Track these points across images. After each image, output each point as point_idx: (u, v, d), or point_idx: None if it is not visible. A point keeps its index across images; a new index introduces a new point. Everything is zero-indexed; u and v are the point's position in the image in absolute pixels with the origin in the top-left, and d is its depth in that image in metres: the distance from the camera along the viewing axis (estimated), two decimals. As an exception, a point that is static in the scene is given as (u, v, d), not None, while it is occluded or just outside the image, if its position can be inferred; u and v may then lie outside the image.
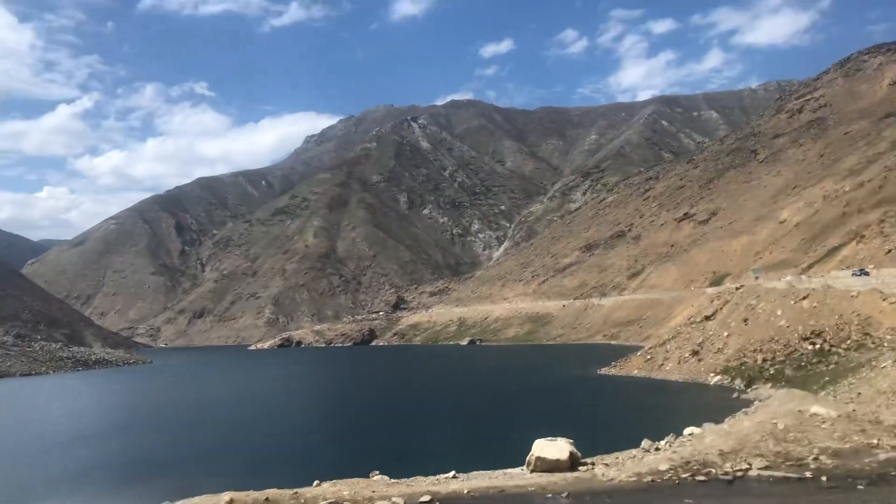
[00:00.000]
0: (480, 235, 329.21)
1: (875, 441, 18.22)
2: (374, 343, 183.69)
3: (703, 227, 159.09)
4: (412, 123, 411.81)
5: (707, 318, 62.71)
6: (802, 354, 46.24)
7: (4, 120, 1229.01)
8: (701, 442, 19.37)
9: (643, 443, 20.22)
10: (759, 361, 49.22)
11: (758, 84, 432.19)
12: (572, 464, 17.74)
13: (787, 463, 17.05)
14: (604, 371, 66.09)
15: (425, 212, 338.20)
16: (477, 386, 69.86)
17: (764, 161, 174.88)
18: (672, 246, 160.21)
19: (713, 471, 16.70)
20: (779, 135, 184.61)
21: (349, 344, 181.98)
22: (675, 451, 18.62)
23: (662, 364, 60.99)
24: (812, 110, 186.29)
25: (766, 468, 16.67)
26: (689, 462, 17.44)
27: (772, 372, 46.74)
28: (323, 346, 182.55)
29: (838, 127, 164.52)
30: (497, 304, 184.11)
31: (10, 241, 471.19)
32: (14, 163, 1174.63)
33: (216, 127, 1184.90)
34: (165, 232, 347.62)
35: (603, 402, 49.54)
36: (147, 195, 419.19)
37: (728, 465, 17.11)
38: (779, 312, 53.02)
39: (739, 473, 16.45)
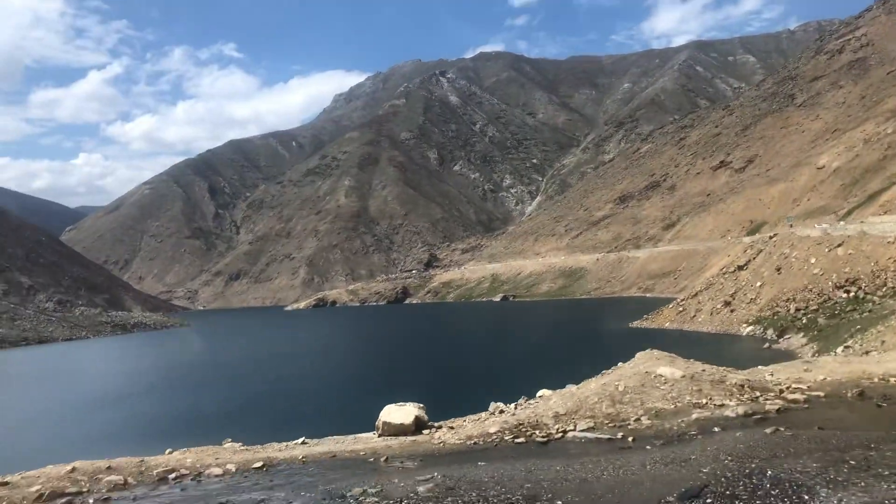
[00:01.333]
0: (512, 190, 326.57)
1: (704, 401, 17.88)
2: (407, 301, 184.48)
3: (739, 175, 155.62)
4: (440, 78, 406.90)
5: (740, 268, 61.34)
6: (836, 303, 44.96)
7: (39, 88, 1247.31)
8: (545, 404, 18.99)
9: (490, 406, 19.85)
10: (792, 311, 48.07)
11: (797, 25, 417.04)
12: (417, 427, 17.85)
13: (611, 424, 16.93)
14: (635, 324, 65.37)
15: (456, 168, 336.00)
16: (485, 343, 69.76)
17: (802, 105, 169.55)
18: (708, 195, 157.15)
19: (537, 432, 16.57)
20: (818, 77, 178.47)
21: (383, 303, 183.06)
22: (514, 414, 18.45)
23: (695, 316, 60.05)
24: (853, 50, 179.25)
25: (589, 429, 16.54)
26: (521, 424, 17.30)
27: (804, 321, 45.62)
28: (357, 305, 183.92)
29: (881, 67, 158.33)
30: (530, 259, 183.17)
31: (49, 208, 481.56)
32: (50, 131, 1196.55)
33: (245, 88, 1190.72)
34: (199, 195, 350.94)
35: (627, 355, 48.87)
36: (179, 159, 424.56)
37: (557, 426, 16.94)
38: (813, 261, 51.56)
39: (558, 435, 16.35)
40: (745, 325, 52.08)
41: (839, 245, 50.60)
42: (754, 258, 61.03)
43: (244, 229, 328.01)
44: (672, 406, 17.64)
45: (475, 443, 16.12)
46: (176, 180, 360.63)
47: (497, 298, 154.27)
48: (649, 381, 19.20)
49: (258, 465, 14.87)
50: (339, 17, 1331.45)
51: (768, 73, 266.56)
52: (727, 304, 57.21)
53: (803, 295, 49.01)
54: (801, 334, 44.29)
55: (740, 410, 16.67)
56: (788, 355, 39.26)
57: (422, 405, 18.65)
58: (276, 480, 13.40)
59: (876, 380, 20.13)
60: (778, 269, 55.05)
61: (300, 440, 18.08)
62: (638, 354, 22.24)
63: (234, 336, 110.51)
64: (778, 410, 17.02)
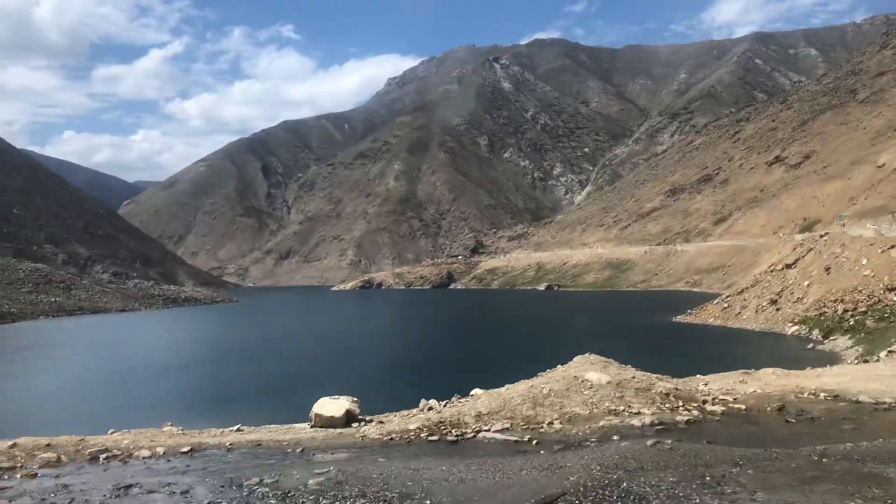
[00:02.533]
0: (562, 179, 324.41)
1: (621, 408, 18.13)
2: (452, 286, 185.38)
3: (794, 172, 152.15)
4: (494, 64, 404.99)
5: (788, 266, 60.46)
6: (886, 306, 44.13)
7: (102, 65, 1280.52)
8: (473, 403, 19.39)
9: (421, 402, 20.16)
10: (840, 312, 47.31)
11: (864, 18, 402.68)
12: (347, 421, 18.27)
13: (525, 426, 17.27)
14: (678, 319, 64.94)
15: (506, 155, 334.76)
16: (522, 331, 69.78)
17: (864, 101, 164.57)
18: (761, 191, 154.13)
19: (453, 431, 17.02)
20: (882, 72, 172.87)
21: (428, 287, 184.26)
22: (440, 412, 18.81)
23: (739, 313, 59.46)
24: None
25: (502, 430, 16.96)
26: (442, 422, 17.69)
27: (851, 323, 44.89)
28: (402, 288, 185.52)
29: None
30: (576, 249, 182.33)
31: (108, 182, 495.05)
32: (112, 106, 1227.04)
33: (301, 70, 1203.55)
34: (252, 174, 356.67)
35: (666, 349, 48.72)
36: (234, 138, 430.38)
37: (477, 425, 17.36)
38: (864, 261, 50.61)
39: (471, 434, 16.80)
40: (790, 325, 51.41)
41: (892, 247, 49.60)
42: (803, 256, 60.08)
43: (295, 209, 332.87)
44: (587, 412, 18.04)
45: (391, 438, 16.66)
46: (231, 159, 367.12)
47: (541, 287, 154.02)
48: (575, 385, 19.47)
49: (185, 449, 15.67)
50: (397, 1, 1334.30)
51: (830, 67, 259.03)
52: (773, 302, 56.50)
53: (852, 296, 48.18)
54: (847, 336, 43.62)
55: (647, 420, 17.05)
56: (832, 357, 38.88)
57: (355, 399, 19.11)
58: (193, 465, 14.16)
59: (805, 395, 20.30)
60: (827, 269, 54.17)
61: (236, 427, 18.65)
62: (576, 358, 22.46)
63: (277, 313, 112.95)
64: (687, 422, 17.38)
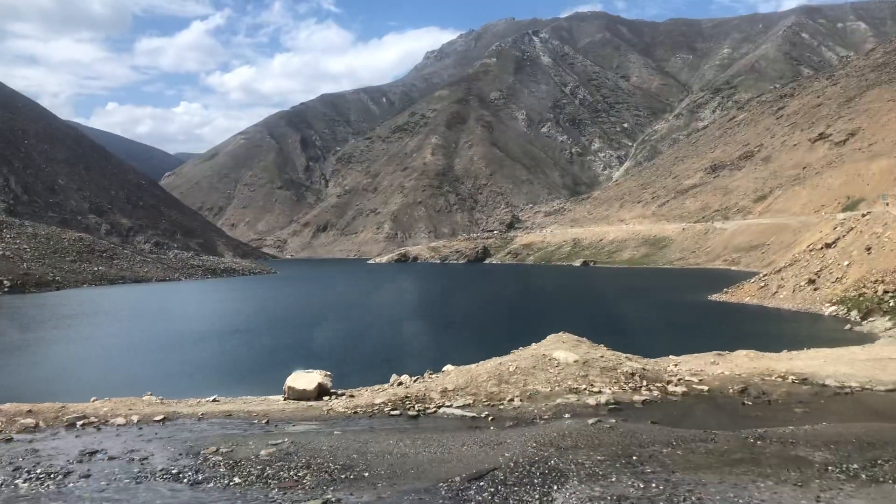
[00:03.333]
0: (601, 154, 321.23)
1: (582, 387, 18.16)
2: (487, 261, 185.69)
3: (839, 149, 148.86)
4: (533, 38, 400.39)
5: (827, 245, 59.68)
6: (927, 287, 43.65)
7: (144, 37, 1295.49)
8: (442, 379, 19.53)
9: (391, 377, 20.38)
10: (880, 293, 46.78)
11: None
12: (319, 394, 18.60)
13: (486, 403, 17.48)
14: (714, 297, 64.56)
15: (544, 130, 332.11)
16: (550, 306, 69.92)
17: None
18: (804, 168, 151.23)
19: (417, 406, 17.31)
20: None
21: (463, 261, 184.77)
22: (408, 387, 19.04)
23: (776, 292, 58.93)
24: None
25: (464, 406, 17.18)
26: (408, 398, 17.94)
27: (892, 304, 44.40)
28: (437, 262, 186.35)
29: None
30: (613, 225, 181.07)
31: (150, 153, 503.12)
32: (153, 78, 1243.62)
33: (340, 43, 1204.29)
34: (291, 147, 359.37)
35: (699, 327, 48.63)
36: (274, 111, 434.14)
37: (441, 401, 17.60)
38: (906, 242, 49.92)
39: (432, 410, 17.06)
40: (827, 305, 50.95)
41: (935, 227, 48.80)
42: (844, 236, 59.24)
43: (333, 182, 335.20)
44: (549, 389, 18.24)
45: (355, 412, 17.09)
46: (270, 132, 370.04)
47: (577, 263, 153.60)
48: (542, 363, 19.69)
49: (159, 418, 16.25)
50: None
51: (880, 41, 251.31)
52: (811, 282, 55.93)
53: (893, 277, 47.59)
54: (887, 318, 43.19)
55: (603, 399, 17.29)
56: (870, 339, 38.56)
57: (328, 373, 19.53)
58: (161, 434, 14.72)
59: (773, 377, 20.23)
60: (868, 249, 53.43)
61: (212, 398, 19.10)
62: (549, 336, 22.58)
63: (311, 284, 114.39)
64: (644, 402, 17.61)
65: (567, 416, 16.11)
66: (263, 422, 16.06)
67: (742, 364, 21.89)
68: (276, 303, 79.98)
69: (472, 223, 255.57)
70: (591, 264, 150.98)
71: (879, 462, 11.50)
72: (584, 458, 11.90)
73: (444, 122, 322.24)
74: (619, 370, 19.42)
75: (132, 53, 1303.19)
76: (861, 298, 47.89)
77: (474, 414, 16.52)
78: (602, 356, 20.42)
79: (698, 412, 17.08)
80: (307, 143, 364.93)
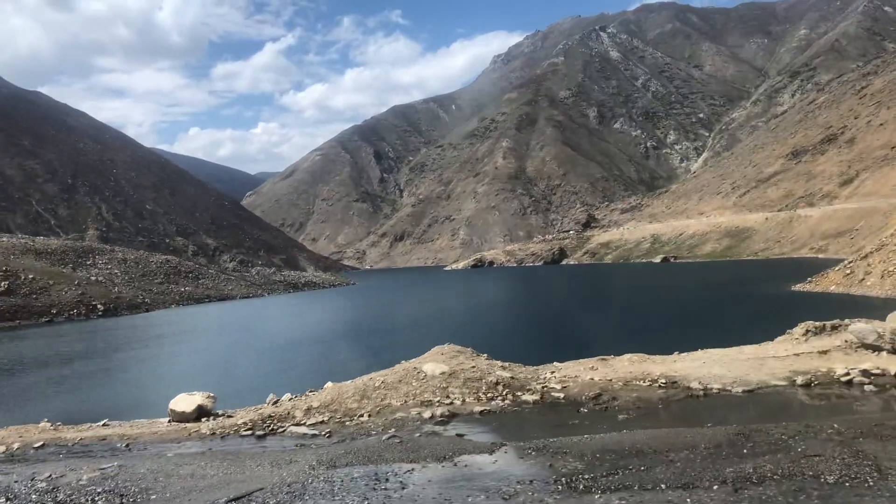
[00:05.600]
0: (677, 147, 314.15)
1: (437, 399, 18.04)
2: (564, 262, 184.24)
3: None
4: (600, 33, 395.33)
5: (918, 227, 56.92)
6: None
7: (220, 62, 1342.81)
8: (317, 396, 19.32)
9: (269, 396, 20.11)
10: (975, 275, 44.37)
11: None
12: (199, 416, 18.62)
13: (341, 419, 17.42)
14: (798, 287, 62.41)
15: (616, 125, 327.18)
16: (629, 304, 68.68)
17: None
18: (893, 148, 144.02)
19: (277, 425, 17.31)
20: None
21: (539, 263, 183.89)
22: (278, 406, 18.94)
23: (863, 279, 56.51)
24: None
25: (315, 424, 17.09)
26: (271, 417, 17.86)
27: None
28: (514, 265, 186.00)
29: None
30: (693, 218, 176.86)
31: (232, 174, 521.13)
32: (231, 101, 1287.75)
33: (409, 54, 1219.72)
34: (365, 160, 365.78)
35: (781, 320, 47.10)
36: (347, 125, 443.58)
37: (303, 419, 17.53)
38: None
39: (281, 429, 17.04)
40: (919, 290, 48.64)
41: None
42: (935, 217, 56.39)
43: (407, 192, 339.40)
44: (400, 403, 18.12)
45: (214, 433, 17.17)
46: (344, 146, 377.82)
47: (657, 259, 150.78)
48: (409, 377, 19.45)
49: (38, 444, 16.68)
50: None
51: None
52: (901, 266, 53.44)
53: None
54: (983, 300, 40.97)
55: (439, 411, 17.08)
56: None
57: (211, 395, 19.63)
58: (22, 458, 15.16)
59: (644, 382, 19.46)
60: (961, 229, 50.70)
61: (103, 422, 19.32)
62: (435, 347, 22.16)
63: (386, 294, 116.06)
64: (482, 412, 17.34)
65: (393, 430, 16.17)
66: (123, 446, 16.41)
67: (621, 369, 21.01)
68: (337, 314, 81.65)
69: (548, 224, 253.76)
70: (672, 260, 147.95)
71: (618, 471, 11.34)
72: (343, 475, 12.13)
73: (513, 124, 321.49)
74: (484, 380, 19.17)
75: (210, 79, 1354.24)
76: (955, 281, 45.50)
77: (315, 432, 16.63)
78: (473, 367, 20.10)
79: (527, 421, 16.92)
80: (380, 155, 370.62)
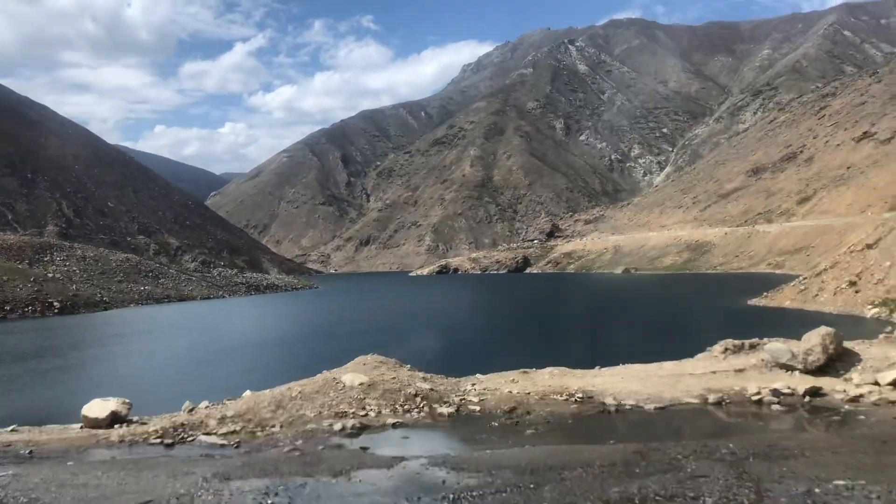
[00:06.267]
0: (641, 161, 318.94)
1: (352, 411, 18.02)
2: (527, 271, 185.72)
3: (884, 147, 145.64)
4: (569, 46, 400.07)
5: (868, 246, 58.86)
6: (968, 287, 42.97)
7: (189, 61, 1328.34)
8: (233, 405, 19.05)
9: (185, 404, 19.56)
10: (921, 294, 46.23)
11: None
12: (112, 422, 18.16)
13: (253, 429, 17.26)
14: (753, 302, 64.00)
15: (582, 138, 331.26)
16: (580, 315, 69.80)
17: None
18: (848, 168, 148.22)
19: (190, 433, 17.04)
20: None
21: (503, 271, 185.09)
22: (193, 414, 18.55)
23: (817, 295, 58.26)
24: None
25: (226, 433, 16.96)
26: (184, 425, 17.58)
27: (933, 305, 43.89)
28: (478, 272, 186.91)
29: None
30: (654, 231, 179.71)
31: (196, 174, 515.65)
32: (199, 101, 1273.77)
33: (380, 59, 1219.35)
34: (333, 164, 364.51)
35: (733, 333, 48.42)
36: (316, 128, 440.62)
37: (218, 428, 17.30)
38: (947, 241, 49.12)
39: (191, 438, 16.81)
40: (869, 307, 50.35)
41: (977, 225, 47.97)
42: (885, 236, 58.46)
43: (374, 197, 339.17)
44: (315, 414, 18.02)
45: (123, 440, 16.86)
46: (311, 149, 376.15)
47: (618, 271, 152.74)
48: (327, 387, 19.29)
49: None
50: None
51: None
52: (852, 284, 55.24)
53: (934, 277, 46.98)
54: (929, 318, 42.73)
55: (349, 423, 17.24)
56: (911, 339, 38.12)
57: (127, 401, 19.00)
58: None
59: (561, 396, 19.58)
60: (909, 249, 52.73)
61: (10, 428, 18.59)
62: (358, 357, 22.06)
63: (347, 298, 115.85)
64: (395, 424, 17.57)
65: (300, 441, 16.19)
66: (27, 452, 15.87)
67: (541, 382, 20.98)
68: (315, 316, 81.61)
69: (513, 233, 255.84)
70: (633, 271, 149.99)
71: (507, 489, 11.55)
72: (233, 488, 12.13)
73: (482, 133, 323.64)
74: (402, 392, 19.13)
75: (178, 77, 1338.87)
76: (903, 299, 47.34)
77: (224, 442, 16.45)
78: (394, 378, 19.99)
79: (437, 435, 17.05)
80: (348, 158, 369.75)
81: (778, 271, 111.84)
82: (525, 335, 55.68)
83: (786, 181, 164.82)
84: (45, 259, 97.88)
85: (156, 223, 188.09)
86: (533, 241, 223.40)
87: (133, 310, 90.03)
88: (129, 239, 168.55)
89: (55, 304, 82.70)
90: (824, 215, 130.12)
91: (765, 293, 65.06)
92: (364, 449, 15.47)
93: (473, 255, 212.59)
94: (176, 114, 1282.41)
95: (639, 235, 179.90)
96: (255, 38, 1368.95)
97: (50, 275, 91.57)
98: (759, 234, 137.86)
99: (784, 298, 61.50)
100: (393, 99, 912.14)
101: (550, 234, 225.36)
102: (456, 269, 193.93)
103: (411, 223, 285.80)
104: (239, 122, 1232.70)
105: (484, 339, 53.86)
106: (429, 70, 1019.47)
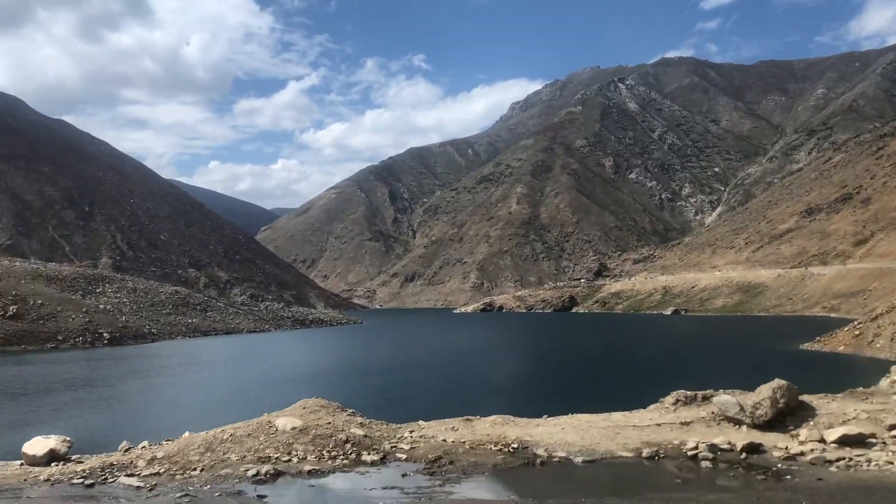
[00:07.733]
0: (692, 199, 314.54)
1: (276, 456, 17.68)
2: (574, 310, 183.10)
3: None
4: (619, 84, 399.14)
5: (928, 291, 56.25)
6: None
7: (243, 98, 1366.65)
8: (166, 446, 18.65)
9: (122, 444, 19.30)
10: (985, 341, 43.63)
11: None
12: (50, 460, 18.22)
13: (174, 473, 16.89)
14: (805, 346, 61.56)
15: (632, 176, 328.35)
16: (630, 355, 67.85)
17: None
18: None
19: (115, 474, 16.85)
20: None
21: (549, 310, 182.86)
22: (127, 454, 18.34)
23: (872, 341, 55.68)
24: None
25: (147, 476, 16.72)
26: (112, 465, 17.39)
27: None
28: (524, 311, 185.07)
29: None
30: (705, 272, 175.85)
31: (248, 209, 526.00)
32: (252, 137, 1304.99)
33: (429, 97, 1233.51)
34: (380, 200, 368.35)
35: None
36: (365, 165, 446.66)
37: (143, 469, 17.05)
38: None
39: (113, 479, 16.61)
40: (928, 354, 47.85)
41: None
42: (946, 281, 55.78)
43: (420, 233, 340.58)
44: (239, 458, 17.61)
45: (49, 479, 16.78)
46: (360, 185, 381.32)
47: (668, 312, 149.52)
48: (259, 430, 18.97)
49: None
50: (526, 26, 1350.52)
51: None
52: (911, 329, 52.70)
53: None
54: None
55: (265, 469, 16.78)
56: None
57: (67, 439, 19.18)
58: None
59: (494, 446, 18.92)
60: (972, 295, 50.04)
61: None
62: (300, 400, 21.46)
63: (390, 335, 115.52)
64: (310, 471, 16.96)
65: (207, 486, 15.94)
66: None
67: (480, 430, 20.25)
68: (354, 353, 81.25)
69: (560, 272, 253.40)
70: (683, 312, 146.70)
71: None
72: None
73: (529, 171, 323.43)
74: (333, 438, 18.72)
75: (232, 114, 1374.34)
76: (965, 347, 44.77)
77: (142, 484, 16.22)
78: (329, 423, 19.52)
79: (343, 485, 16.58)
80: (395, 195, 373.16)
81: (833, 315, 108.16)
82: (543, 378, 54.45)
83: (841, 222, 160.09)
84: (98, 290, 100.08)
85: (206, 256, 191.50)
86: (580, 279, 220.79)
87: (179, 342, 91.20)
88: (179, 272, 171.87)
89: (105, 334, 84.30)
90: (882, 258, 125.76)
91: (818, 337, 62.56)
92: (261, 497, 15.21)
93: (518, 293, 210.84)
94: (230, 150, 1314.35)
95: (689, 276, 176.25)
96: (309, 76, 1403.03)
97: (101, 306, 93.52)
98: (813, 277, 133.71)
99: (838, 343, 58.96)
100: (441, 136, 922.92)
101: (598, 274, 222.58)
102: (501, 307, 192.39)
103: (456, 260, 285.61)
104: (291, 158, 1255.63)
105: (484, 380, 52.92)
106: (478, 108, 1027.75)
